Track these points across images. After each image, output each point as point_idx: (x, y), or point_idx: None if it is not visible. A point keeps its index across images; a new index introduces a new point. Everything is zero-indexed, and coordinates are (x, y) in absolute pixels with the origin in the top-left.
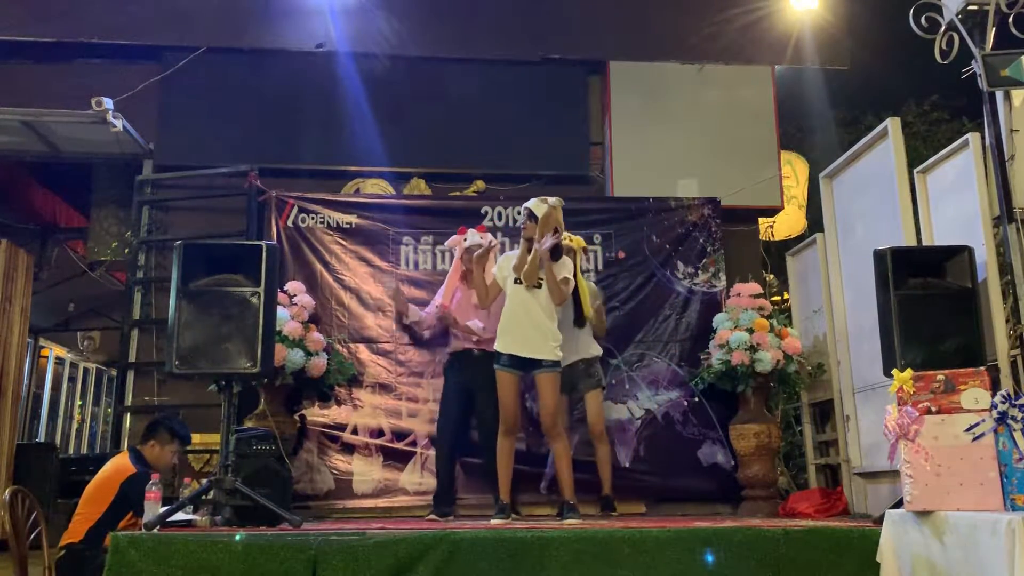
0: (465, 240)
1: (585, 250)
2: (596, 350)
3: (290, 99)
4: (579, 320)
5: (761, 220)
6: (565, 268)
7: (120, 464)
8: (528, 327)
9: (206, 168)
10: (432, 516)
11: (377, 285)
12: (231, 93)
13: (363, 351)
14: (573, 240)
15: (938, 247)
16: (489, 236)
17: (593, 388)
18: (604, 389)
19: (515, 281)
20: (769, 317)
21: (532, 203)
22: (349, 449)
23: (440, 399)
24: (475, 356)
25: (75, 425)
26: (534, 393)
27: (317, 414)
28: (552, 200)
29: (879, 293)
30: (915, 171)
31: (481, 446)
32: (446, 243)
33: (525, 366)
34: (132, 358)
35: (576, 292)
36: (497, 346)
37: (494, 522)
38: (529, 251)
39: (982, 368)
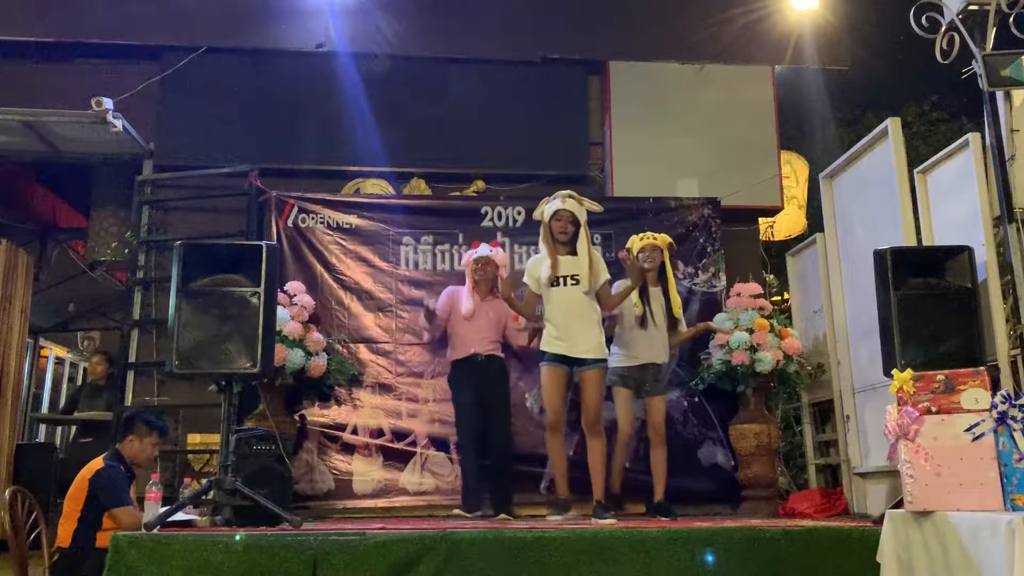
0: (474, 254)
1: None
2: (667, 356)
3: (290, 99)
4: (673, 323)
5: (761, 220)
6: (599, 265)
7: (92, 463)
8: (574, 326)
9: (206, 168)
10: (458, 511)
11: (377, 285)
12: (231, 93)
13: (363, 351)
14: (658, 239)
15: (938, 247)
16: (500, 251)
17: (660, 393)
18: (665, 396)
19: (553, 283)
20: (769, 317)
21: (570, 204)
22: (349, 449)
23: (455, 410)
24: (480, 360)
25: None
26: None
27: (317, 414)
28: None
29: (879, 293)
30: (915, 171)
31: (490, 446)
32: (462, 263)
33: (570, 363)
34: (132, 358)
35: (667, 292)
36: (544, 346)
37: (551, 519)
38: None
39: (982, 368)
